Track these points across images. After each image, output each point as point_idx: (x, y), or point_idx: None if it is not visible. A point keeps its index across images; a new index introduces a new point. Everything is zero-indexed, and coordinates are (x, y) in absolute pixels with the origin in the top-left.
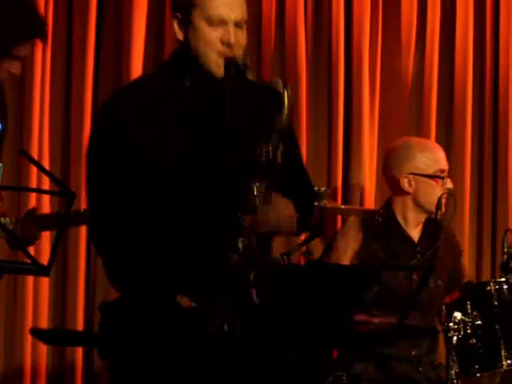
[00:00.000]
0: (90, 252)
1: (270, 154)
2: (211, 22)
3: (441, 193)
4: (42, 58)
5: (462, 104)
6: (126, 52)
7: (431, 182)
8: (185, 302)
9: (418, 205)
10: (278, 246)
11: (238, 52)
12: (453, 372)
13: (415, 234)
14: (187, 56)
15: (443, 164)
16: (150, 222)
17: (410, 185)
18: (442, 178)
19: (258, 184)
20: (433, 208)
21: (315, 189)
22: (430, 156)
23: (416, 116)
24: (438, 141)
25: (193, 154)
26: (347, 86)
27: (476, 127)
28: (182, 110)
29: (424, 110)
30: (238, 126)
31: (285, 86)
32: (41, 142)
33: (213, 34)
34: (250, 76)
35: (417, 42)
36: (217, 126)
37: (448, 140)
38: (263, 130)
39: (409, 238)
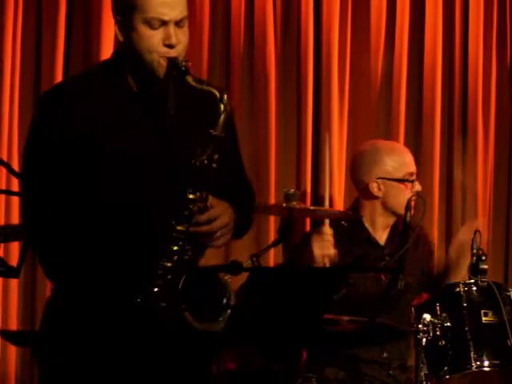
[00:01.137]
0: None
1: (206, 159)
2: (151, 24)
3: (404, 197)
4: (11, 62)
5: (430, 104)
6: (96, 52)
7: (400, 185)
8: None
9: (387, 209)
10: (248, 248)
11: (180, 51)
12: (422, 374)
13: (382, 237)
14: (129, 56)
15: (412, 167)
16: (84, 220)
17: (380, 189)
18: (412, 182)
19: (193, 191)
20: (402, 211)
21: (284, 190)
22: (399, 160)
23: (385, 116)
24: (406, 141)
25: (132, 155)
26: (316, 87)
27: (445, 128)
28: (125, 108)
29: (393, 110)
30: (176, 128)
31: (223, 92)
32: (10, 144)
33: (154, 37)
34: (191, 78)
35: (386, 42)
36: (157, 126)
37: (417, 141)
38: (200, 135)
39: (375, 242)
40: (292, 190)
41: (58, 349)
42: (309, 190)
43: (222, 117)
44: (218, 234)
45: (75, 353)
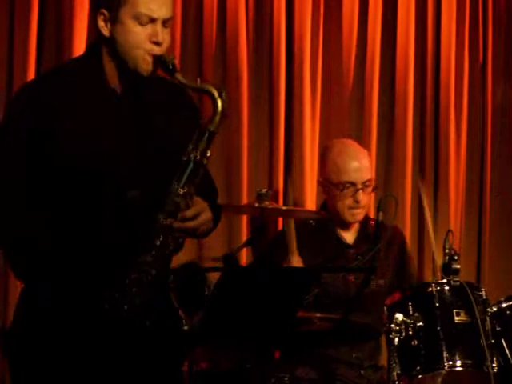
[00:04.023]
0: None
1: (198, 155)
2: (140, 20)
3: (343, 205)
4: None
5: (403, 105)
6: (68, 53)
7: (336, 191)
8: None
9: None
10: (221, 247)
11: (164, 50)
12: (395, 373)
13: (350, 236)
14: (112, 50)
15: (354, 176)
16: (62, 215)
17: (324, 190)
18: (353, 189)
19: (183, 186)
20: (341, 216)
21: (257, 190)
22: (340, 165)
23: (357, 117)
24: (379, 141)
25: (113, 150)
26: (288, 87)
27: (417, 128)
28: (106, 103)
29: (365, 112)
30: (162, 124)
31: (221, 89)
32: None
33: (141, 33)
34: (180, 76)
35: (358, 43)
36: (141, 122)
37: (389, 141)
38: (194, 129)
39: (342, 241)
40: (264, 190)
41: (29, 347)
42: (281, 189)
43: (220, 113)
44: (201, 229)
45: (46, 352)
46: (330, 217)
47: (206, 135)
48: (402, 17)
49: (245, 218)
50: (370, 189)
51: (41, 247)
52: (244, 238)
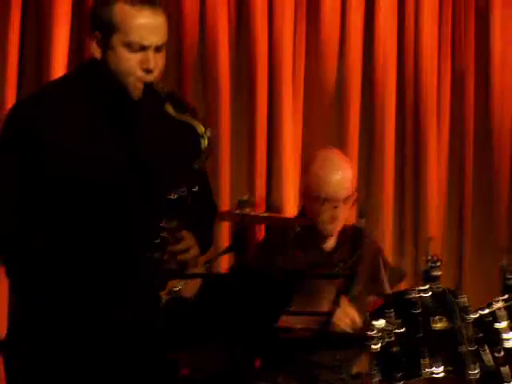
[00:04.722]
0: None
1: (185, 192)
2: (131, 47)
3: (322, 219)
4: None
5: (383, 111)
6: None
7: (309, 202)
8: None
9: None
10: None
11: (156, 75)
12: (375, 380)
13: (330, 242)
14: (105, 74)
15: (324, 191)
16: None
17: (304, 199)
18: (335, 207)
19: (170, 220)
20: (318, 225)
21: (239, 198)
22: (313, 178)
23: (338, 123)
24: (360, 147)
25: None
26: (269, 93)
27: (398, 134)
28: (98, 124)
29: (345, 117)
30: (149, 152)
31: (206, 126)
32: None
33: (132, 60)
34: (170, 108)
35: (339, 46)
36: (130, 147)
37: (369, 147)
38: (180, 166)
39: (322, 248)
40: (245, 197)
41: (25, 350)
42: (263, 196)
43: (205, 151)
44: (190, 263)
45: (42, 355)
46: (312, 223)
47: (193, 172)
48: (382, 22)
49: (226, 225)
50: (350, 202)
51: (35, 255)
52: (225, 244)
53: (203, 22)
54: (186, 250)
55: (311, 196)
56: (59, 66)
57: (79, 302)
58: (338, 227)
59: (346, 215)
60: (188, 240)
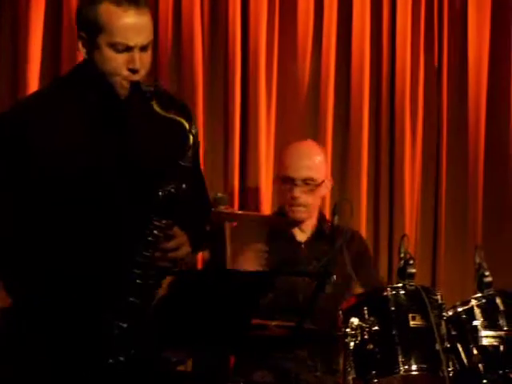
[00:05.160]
0: None
1: (173, 189)
2: (116, 47)
3: (284, 200)
4: None
5: (358, 106)
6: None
7: (279, 185)
8: None
9: None
10: None
11: (143, 75)
12: (350, 378)
13: (302, 235)
14: (92, 72)
15: (293, 172)
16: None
17: (275, 184)
18: (294, 186)
19: (160, 218)
20: (284, 210)
21: (212, 195)
22: (285, 160)
23: (312, 118)
24: (334, 143)
25: (94, 175)
26: (244, 88)
27: (373, 130)
28: (86, 123)
29: (321, 112)
30: (137, 150)
31: (191, 122)
32: None
33: (118, 60)
34: (156, 106)
35: (313, 44)
36: (119, 146)
37: (344, 143)
38: (167, 163)
39: (294, 239)
40: (220, 194)
41: (13, 361)
42: (236, 193)
43: (191, 148)
44: (181, 261)
45: (28, 366)
46: (285, 220)
47: (180, 169)
48: (357, 20)
49: None
50: (313, 187)
51: (29, 268)
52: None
53: (178, 22)
54: (177, 248)
55: (283, 178)
56: (34, 70)
57: (68, 303)
58: (302, 212)
59: (310, 201)
60: (179, 238)
